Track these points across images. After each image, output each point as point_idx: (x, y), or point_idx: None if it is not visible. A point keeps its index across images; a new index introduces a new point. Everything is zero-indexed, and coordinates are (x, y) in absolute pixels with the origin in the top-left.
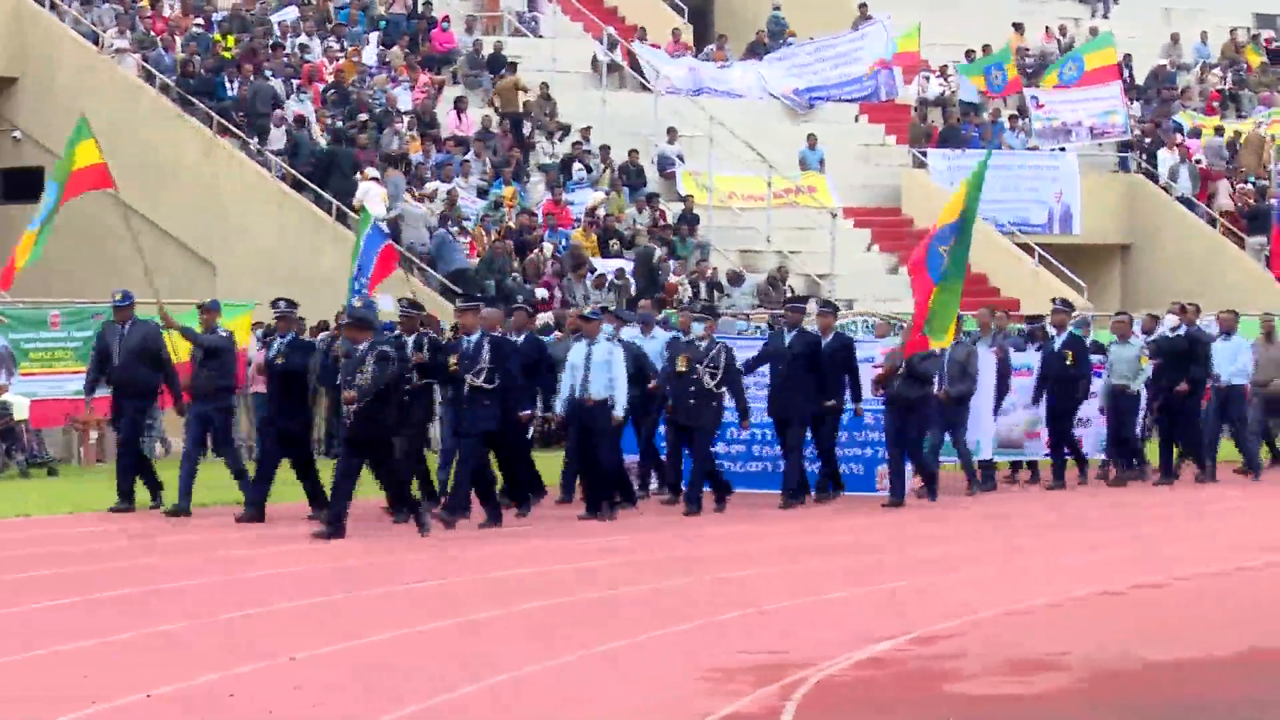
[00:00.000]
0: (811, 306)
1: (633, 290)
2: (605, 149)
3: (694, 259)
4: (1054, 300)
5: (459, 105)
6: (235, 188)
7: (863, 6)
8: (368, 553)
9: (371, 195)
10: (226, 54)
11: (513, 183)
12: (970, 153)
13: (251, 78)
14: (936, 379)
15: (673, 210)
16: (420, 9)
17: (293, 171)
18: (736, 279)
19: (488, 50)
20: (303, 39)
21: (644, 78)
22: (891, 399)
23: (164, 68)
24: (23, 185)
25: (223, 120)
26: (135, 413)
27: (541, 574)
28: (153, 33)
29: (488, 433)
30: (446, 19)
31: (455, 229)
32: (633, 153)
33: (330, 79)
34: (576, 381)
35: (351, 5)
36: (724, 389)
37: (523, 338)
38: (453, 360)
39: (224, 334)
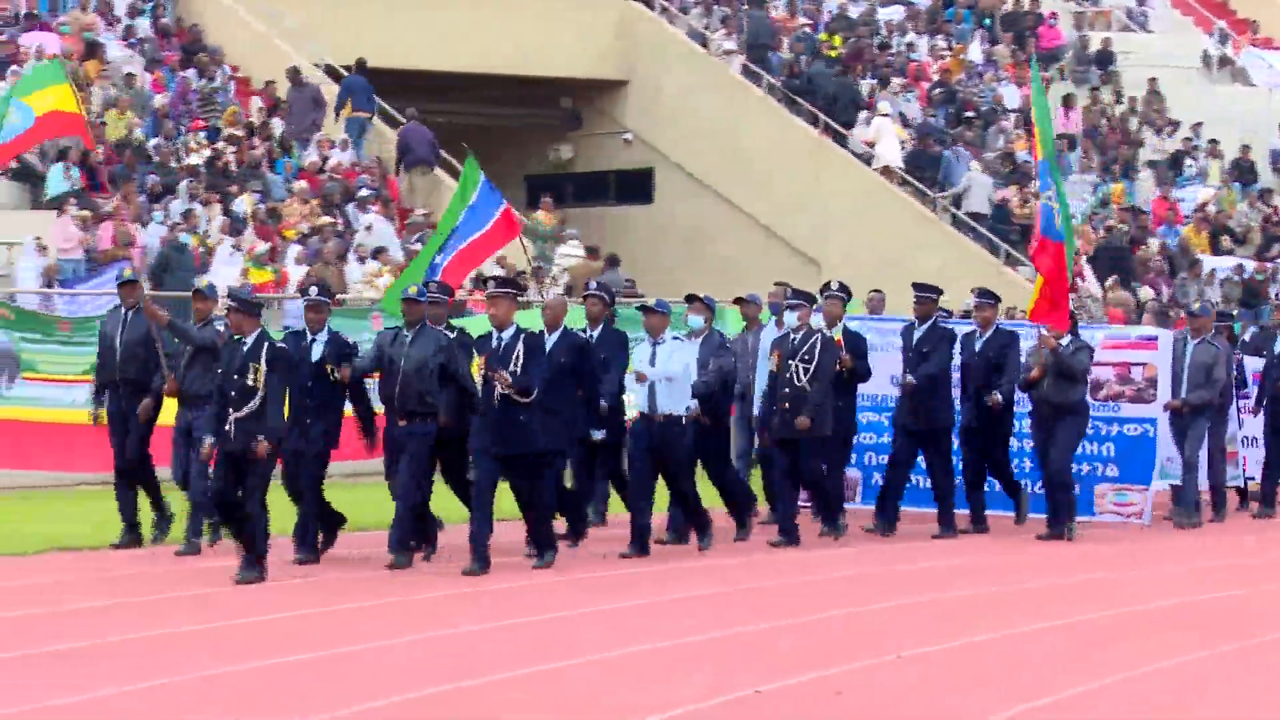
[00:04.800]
0: None
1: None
2: (1214, 144)
3: None
4: (1276, 297)
5: (1067, 102)
6: (838, 185)
7: None
8: (949, 553)
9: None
10: (832, 53)
11: (1121, 179)
12: None
13: (863, 78)
14: (1160, 387)
15: None
16: (1028, 5)
17: (898, 169)
18: None
19: (1095, 46)
20: (909, 37)
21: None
22: (1036, 404)
23: (770, 68)
24: (634, 186)
25: (827, 119)
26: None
27: (1112, 580)
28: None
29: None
30: (1054, 15)
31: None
32: (1245, 148)
33: (936, 77)
34: (641, 392)
35: (959, 3)
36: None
37: (556, 335)
38: (478, 361)
39: (222, 326)
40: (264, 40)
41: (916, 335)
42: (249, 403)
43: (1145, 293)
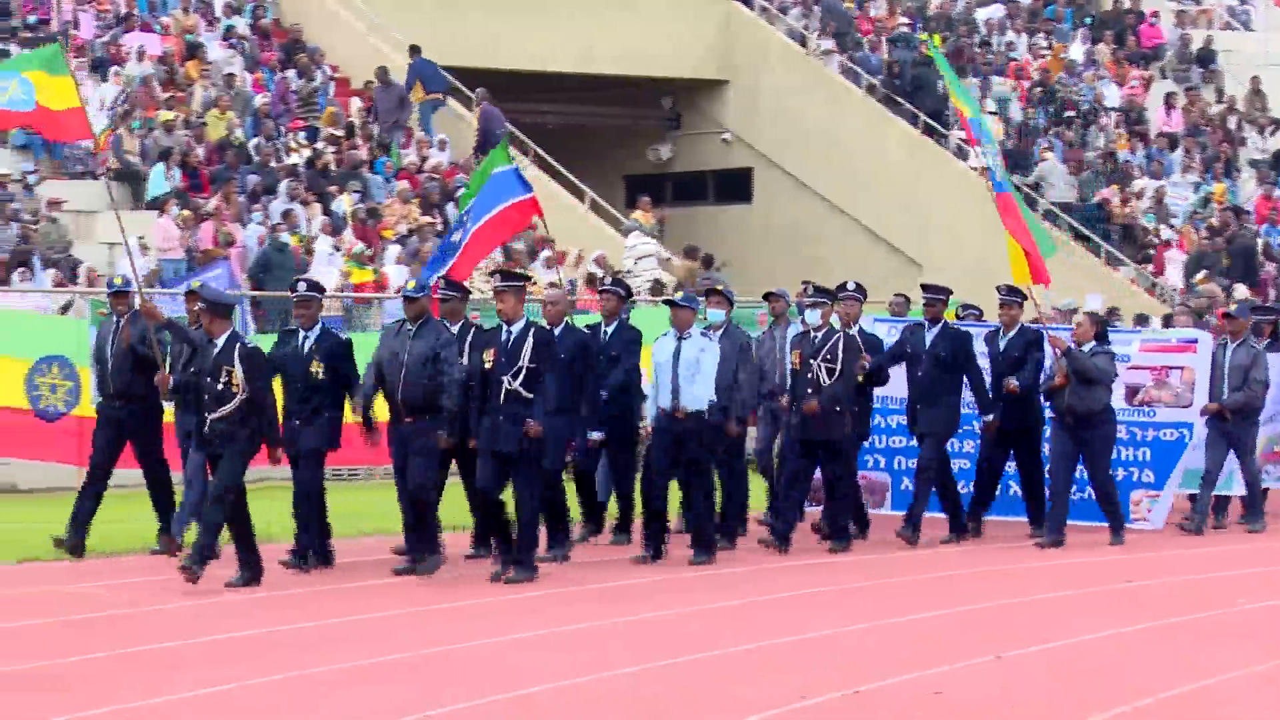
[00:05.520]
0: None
1: None
2: None
3: None
4: None
5: (1168, 101)
6: (939, 186)
7: None
8: (1050, 554)
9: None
10: (932, 53)
11: (1222, 179)
12: None
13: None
14: (1199, 391)
15: None
16: (1129, 4)
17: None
18: None
19: (1196, 44)
20: (1009, 36)
21: None
22: (1060, 413)
23: (870, 68)
24: (732, 186)
25: (928, 119)
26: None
27: (1208, 582)
28: (859, 34)
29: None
30: (1155, 14)
31: (1163, 226)
32: None
33: (1035, 76)
34: (663, 387)
35: (1059, 2)
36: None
37: (558, 331)
38: (487, 356)
39: None
40: (364, 41)
41: (928, 338)
42: (224, 405)
43: (1239, 289)
